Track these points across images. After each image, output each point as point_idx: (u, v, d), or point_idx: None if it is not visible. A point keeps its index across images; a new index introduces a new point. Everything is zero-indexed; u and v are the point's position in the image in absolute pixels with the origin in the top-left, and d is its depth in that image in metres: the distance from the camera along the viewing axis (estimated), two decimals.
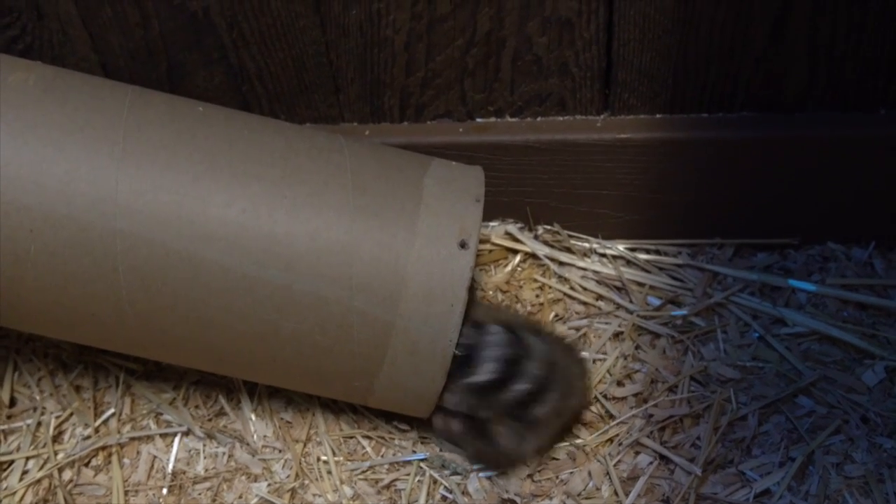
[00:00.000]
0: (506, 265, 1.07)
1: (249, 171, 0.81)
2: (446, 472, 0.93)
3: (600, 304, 1.04)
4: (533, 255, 1.07)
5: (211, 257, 0.80)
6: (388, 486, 0.92)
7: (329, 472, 0.93)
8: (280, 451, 0.95)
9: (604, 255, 1.07)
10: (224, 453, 0.96)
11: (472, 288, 0.83)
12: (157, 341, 0.85)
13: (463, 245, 0.82)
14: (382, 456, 0.94)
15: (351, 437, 0.96)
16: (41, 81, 0.82)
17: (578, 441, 0.94)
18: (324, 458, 0.94)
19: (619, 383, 0.98)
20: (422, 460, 0.93)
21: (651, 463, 0.92)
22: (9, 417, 0.99)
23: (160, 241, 0.79)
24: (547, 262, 1.06)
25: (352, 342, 0.82)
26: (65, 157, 0.79)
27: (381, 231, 0.82)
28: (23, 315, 0.85)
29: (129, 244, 0.79)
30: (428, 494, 0.91)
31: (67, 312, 0.83)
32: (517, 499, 0.90)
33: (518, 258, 1.08)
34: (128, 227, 0.79)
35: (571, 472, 0.92)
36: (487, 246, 1.08)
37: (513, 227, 1.08)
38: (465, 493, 0.91)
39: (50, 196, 0.78)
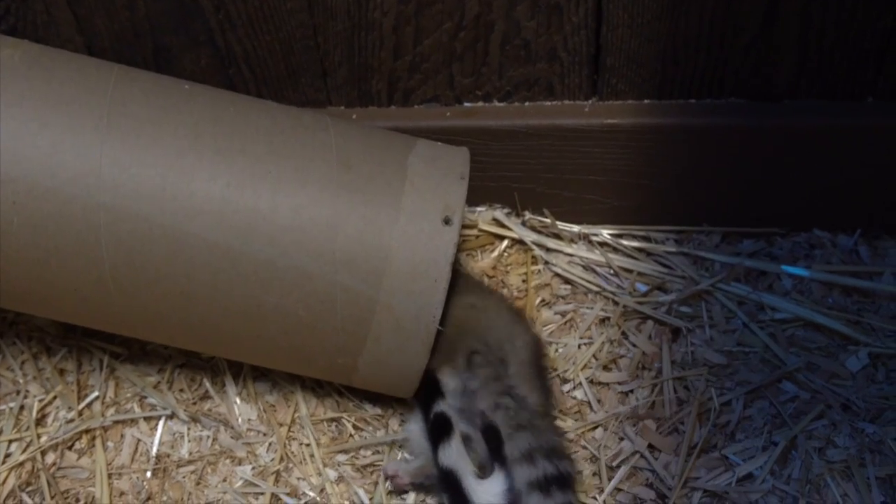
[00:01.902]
0: (492, 250, 1.07)
1: (234, 147, 0.81)
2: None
3: (587, 289, 1.04)
4: (520, 241, 1.07)
5: (195, 231, 0.80)
6: (369, 466, 0.92)
7: (312, 456, 0.93)
8: (264, 434, 0.95)
9: (591, 242, 1.07)
10: (208, 437, 0.96)
11: (456, 265, 0.83)
12: (140, 317, 0.85)
13: (447, 221, 0.82)
14: (364, 438, 0.94)
15: (334, 420, 0.96)
16: (27, 58, 0.82)
17: (564, 426, 0.94)
18: (307, 441, 0.94)
19: (605, 368, 0.98)
20: (403, 443, 0.93)
21: (635, 449, 0.92)
22: None
23: (144, 215, 0.79)
24: (534, 247, 1.06)
25: (335, 318, 0.82)
26: (49, 131, 0.79)
27: (366, 207, 0.81)
28: (5, 290, 0.84)
29: (113, 218, 0.79)
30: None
31: (50, 287, 0.82)
32: None
33: (505, 244, 1.07)
34: (111, 201, 0.79)
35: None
36: (474, 231, 1.08)
37: (500, 213, 1.08)
38: None
39: (34, 169, 0.78)
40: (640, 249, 1.06)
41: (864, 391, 0.93)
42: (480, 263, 1.06)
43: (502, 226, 1.08)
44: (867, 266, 1.02)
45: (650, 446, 0.92)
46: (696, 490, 0.89)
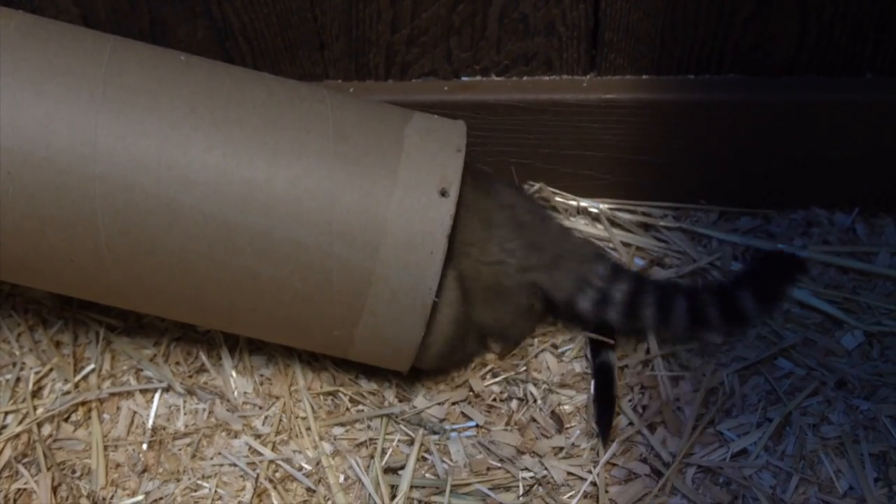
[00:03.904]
0: None
1: (230, 118, 0.81)
2: (424, 430, 0.93)
3: None
4: None
5: (190, 202, 0.79)
6: (366, 443, 0.92)
7: (309, 429, 0.93)
8: (260, 407, 0.95)
9: (589, 216, 1.06)
10: (204, 409, 0.96)
11: (453, 237, 0.83)
12: (136, 289, 0.84)
13: (443, 193, 0.82)
14: (361, 412, 0.94)
15: (331, 394, 0.96)
16: (22, 27, 0.81)
17: (562, 399, 0.94)
18: (303, 414, 0.94)
19: None
20: (399, 417, 0.94)
21: (630, 423, 0.92)
22: None
23: (139, 185, 0.79)
24: None
25: (331, 290, 0.82)
26: (45, 101, 0.78)
27: (362, 178, 0.81)
28: (0, 262, 0.84)
29: (108, 188, 0.79)
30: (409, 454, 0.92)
31: (45, 258, 0.82)
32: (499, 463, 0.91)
33: None
34: (107, 171, 0.78)
35: (551, 437, 0.92)
36: None
37: None
38: (444, 453, 0.91)
39: (29, 138, 0.78)
40: (638, 224, 1.05)
41: (859, 368, 0.94)
42: None
43: None
44: (864, 245, 1.02)
45: (644, 422, 0.92)
46: (690, 465, 0.89)
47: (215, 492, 0.90)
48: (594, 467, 0.89)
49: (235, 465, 0.92)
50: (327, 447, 0.92)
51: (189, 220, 0.80)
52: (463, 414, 0.94)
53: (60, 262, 0.82)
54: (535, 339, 0.98)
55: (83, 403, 0.96)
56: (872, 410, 0.91)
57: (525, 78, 1.01)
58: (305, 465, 0.91)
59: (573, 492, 0.88)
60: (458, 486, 0.89)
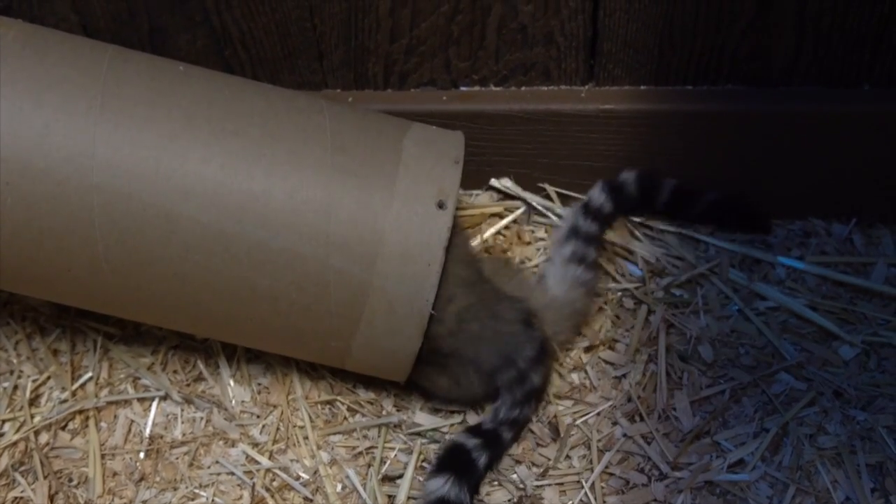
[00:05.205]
0: (490, 228, 1.07)
1: (228, 129, 0.81)
2: (422, 440, 0.93)
3: None
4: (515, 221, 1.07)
5: (188, 213, 0.79)
6: (364, 453, 0.92)
7: (306, 438, 0.93)
8: (258, 416, 0.95)
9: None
10: (202, 418, 0.96)
11: (449, 249, 0.83)
12: (133, 299, 0.85)
13: (441, 205, 0.82)
14: (359, 421, 0.94)
15: (329, 403, 0.96)
16: (21, 37, 0.82)
17: (559, 409, 0.94)
18: (301, 423, 0.94)
19: (601, 351, 0.98)
20: (397, 426, 0.94)
21: (626, 433, 0.92)
22: None
23: (137, 196, 0.79)
24: (536, 223, 1.06)
25: (329, 300, 0.82)
26: (43, 111, 0.78)
27: (360, 190, 0.81)
28: None
29: (106, 199, 0.79)
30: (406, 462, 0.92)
31: (43, 268, 0.82)
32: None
33: (505, 222, 1.07)
34: (105, 182, 0.79)
35: (547, 445, 0.92)
36: (470, 211, 1.07)
37: (509, 182, 1.07)
38: None
39: (27, 149, 0.78)
40: (635, 233, 1.06)
41: (856, 379, 0.94)
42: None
43: (510, 197, 1.08)
44: (861, 256, 1.02)
45: (641, 431, 0.92)
46: (687, 475, 0.89)
47: (212, 501, 0.90)
48: (591, 476, 0.90)
49: (233, 473, 0.92)
50: (325, 456, 0.92)
51: (186, 231, 0.80)
52: (462, 423, 0.94)
53: (58, 271, 0.82)
54: None
55: (80, 412, 0.96)
56: (869, 421, 0.91)
57: (523, 88, 1.01)
58: (303, 474, 0.91)
59: (570, 502, 0.88)
60: None
